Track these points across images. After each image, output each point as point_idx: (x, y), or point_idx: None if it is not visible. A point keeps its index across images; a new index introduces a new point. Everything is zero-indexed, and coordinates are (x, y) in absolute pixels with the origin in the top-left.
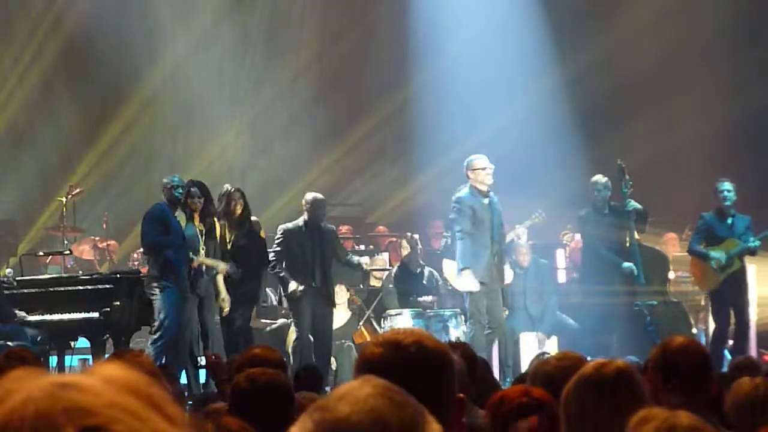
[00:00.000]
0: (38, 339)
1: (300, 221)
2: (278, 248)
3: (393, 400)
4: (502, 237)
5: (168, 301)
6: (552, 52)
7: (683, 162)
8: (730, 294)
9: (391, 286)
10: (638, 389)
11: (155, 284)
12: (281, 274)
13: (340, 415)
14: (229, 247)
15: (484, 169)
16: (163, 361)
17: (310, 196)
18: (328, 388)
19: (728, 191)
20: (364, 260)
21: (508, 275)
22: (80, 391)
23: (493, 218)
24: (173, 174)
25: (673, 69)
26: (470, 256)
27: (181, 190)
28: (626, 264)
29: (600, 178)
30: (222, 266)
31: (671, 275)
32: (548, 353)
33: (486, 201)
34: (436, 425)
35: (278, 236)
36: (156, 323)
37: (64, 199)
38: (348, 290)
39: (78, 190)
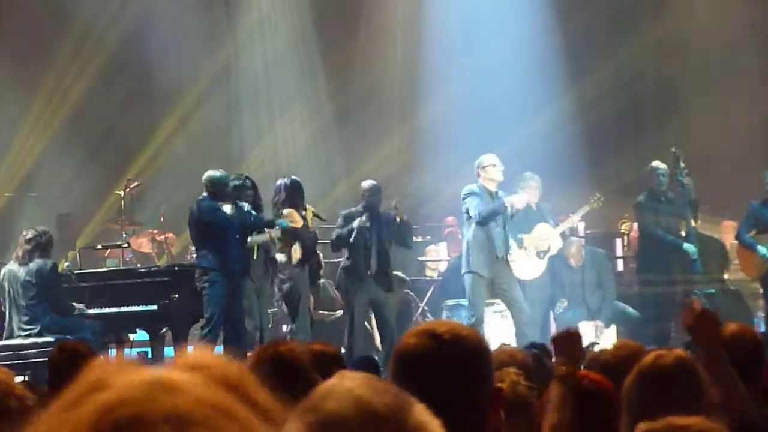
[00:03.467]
0: (97, 332)
1: (359, 207)
2: (340, 232)
3: (375, 389)
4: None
5: (216, 295)
6: (604, 42)
7: (741, 151)
8: None
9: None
10: (698, 378)
11: (204, 277)
12: (345, 264)
13: (329, 412)
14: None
15: (494, 166)
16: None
17: (367, 183)
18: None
19: None
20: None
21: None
22: (179, 393)
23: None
24: (218, 169)
25: (726, 58)
26: (476, 249)
27: (228, 185)
28: (687, 245)
29: (659, 164)
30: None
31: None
32: (598, 344)
33: (493, 199)
34: (422, 407)
35: (339, 221)
36: (205, 317)
37: (122, 193)
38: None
39: (135, 184)
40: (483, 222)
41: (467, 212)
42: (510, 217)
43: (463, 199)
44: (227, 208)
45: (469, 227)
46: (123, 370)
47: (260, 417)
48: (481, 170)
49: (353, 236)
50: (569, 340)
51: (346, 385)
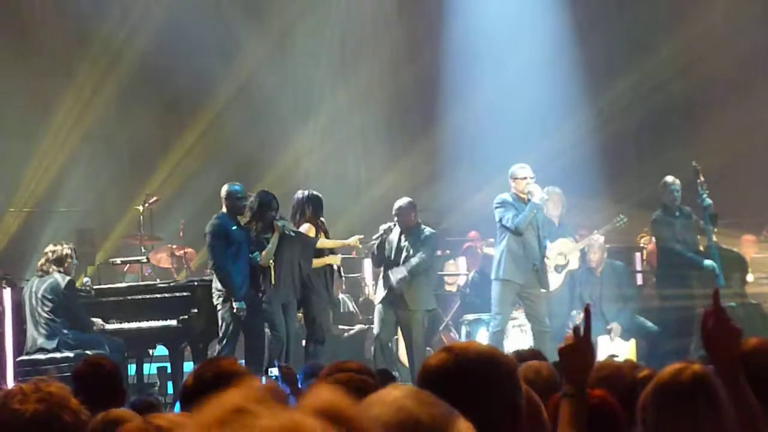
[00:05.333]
0: (116, 347)
1: (393, 223)
2: (376, 247)
3: (421, 400)
4: (541, 246)
5: (230, 313)
6: (626, 56)
7: (760, 163)
8: None
9: (468, 291)
10: (716, 394)
11: (218, 294)
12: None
13: (372, 417)
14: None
15: (524, 179)
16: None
17: (400, 201)
18: None
19: None
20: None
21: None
22: None
23: (533, 224)
24: (234, 183)
25: (747, 71)
26: (510, 258)
27: (244, 201)
28: (707, 261)
29: (671, 179)
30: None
31: (750, 277)
32: (617, 356)
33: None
34: (465, 423)
35: (376, 236)
36: (221, 333)
37: (141, 208)
38: None
39: (155, 199)
40: (520, 233)
41: (500, 221)
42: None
43: (496, 208)
44: (238, 224)
45: (502, 236)
46: (264, 403)
47: None
48: (513, 181)
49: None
50: (575, 352)
51: (394, 394)
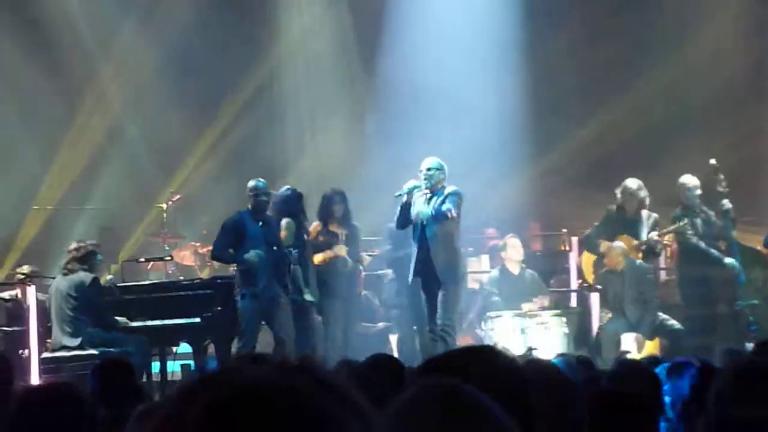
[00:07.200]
0: (140, 345)
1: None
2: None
3: None
4: None
5: (247, 308)
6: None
7: None
8: None
9: (492, 288)
10: None
11: (236, 291)
12: None
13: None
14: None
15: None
16: None
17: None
18: None
19: None
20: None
21: None
22: None
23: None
24: (258, 179)
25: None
26: None
27: (265, 197)
28: (728, 260)
29: (688, 178)
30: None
31: None
32: (629, 352)
33: None
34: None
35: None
36: (240, 329)
37: (164, 206)
38: None
39: (178, 197)
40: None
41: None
42: None
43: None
44: (259, 221)
45: None
46: None
47: None
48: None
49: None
50: None
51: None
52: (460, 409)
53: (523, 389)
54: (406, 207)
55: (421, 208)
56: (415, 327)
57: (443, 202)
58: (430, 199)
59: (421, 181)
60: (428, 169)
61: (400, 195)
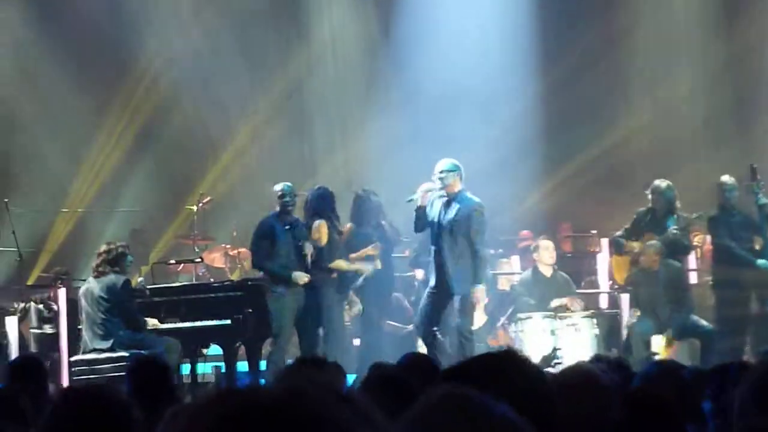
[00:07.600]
0: (171, 347)
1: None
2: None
3: None
4: None
5: (279, 309)
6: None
7: None
8: None
9: (523, 290)
10: None
11: (269, 292)
12: None
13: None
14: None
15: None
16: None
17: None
18: None
19: None
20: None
21: None
22: None
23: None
24: (284, 182)
25: None
26: None
27: (288, 199)
28: (761, 261)
29: (727, 178)
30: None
31: None
32: (657, 354)
33: None
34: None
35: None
36: (274, 329)
37: (194, 208)
38: None
39: (208, 199)
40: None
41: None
42: None
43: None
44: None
45: None
46: None
47: None
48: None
49: None
50: None
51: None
52: (472, 418)
53: (544, 396)
54: (422, 211)
55: (438, 213)
56: (436, 328)
57: (466, 219)
58: (448, 203)
59: (435, 184)
60: (441, 172)
61: (411, 200)
